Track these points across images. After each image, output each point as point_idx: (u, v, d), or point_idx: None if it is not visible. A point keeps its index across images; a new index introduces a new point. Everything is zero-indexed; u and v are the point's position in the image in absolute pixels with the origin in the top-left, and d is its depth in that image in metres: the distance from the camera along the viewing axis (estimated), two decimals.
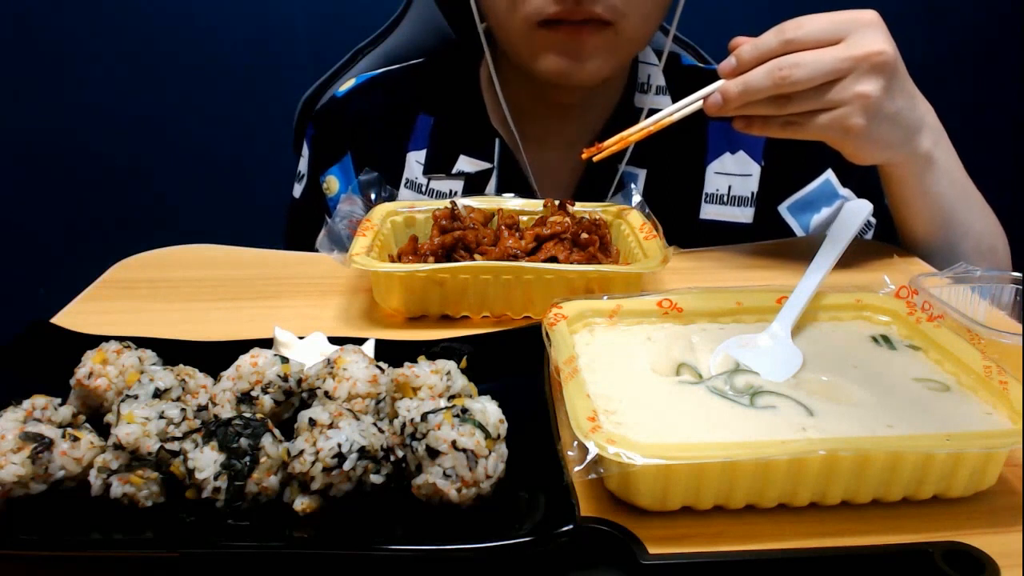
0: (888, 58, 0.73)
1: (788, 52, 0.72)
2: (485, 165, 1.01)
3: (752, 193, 1.02)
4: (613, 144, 0.80)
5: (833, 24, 0.73)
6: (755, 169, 1.02)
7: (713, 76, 0.77)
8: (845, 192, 1.01)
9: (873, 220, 0.99)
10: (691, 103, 0.79)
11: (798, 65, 0.72)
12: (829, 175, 1.01)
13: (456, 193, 1.01)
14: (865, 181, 1.01)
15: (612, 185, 1.01)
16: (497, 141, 1.02)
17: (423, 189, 1.03)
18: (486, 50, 0.97)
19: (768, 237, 0.97)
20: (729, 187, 1.02)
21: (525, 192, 0.94)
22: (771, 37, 0.73)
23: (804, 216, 1.02)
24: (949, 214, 0.85)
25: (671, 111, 0.80)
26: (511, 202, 0.87)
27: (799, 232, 1.02)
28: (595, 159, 0.82)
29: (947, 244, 0.87)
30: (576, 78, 0.88)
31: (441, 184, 1.02)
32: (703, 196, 1.02)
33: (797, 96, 0.73)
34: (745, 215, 1.02)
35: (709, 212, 1.02)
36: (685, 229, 0.94)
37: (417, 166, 1.03)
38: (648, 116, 0.82)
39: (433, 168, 1.02)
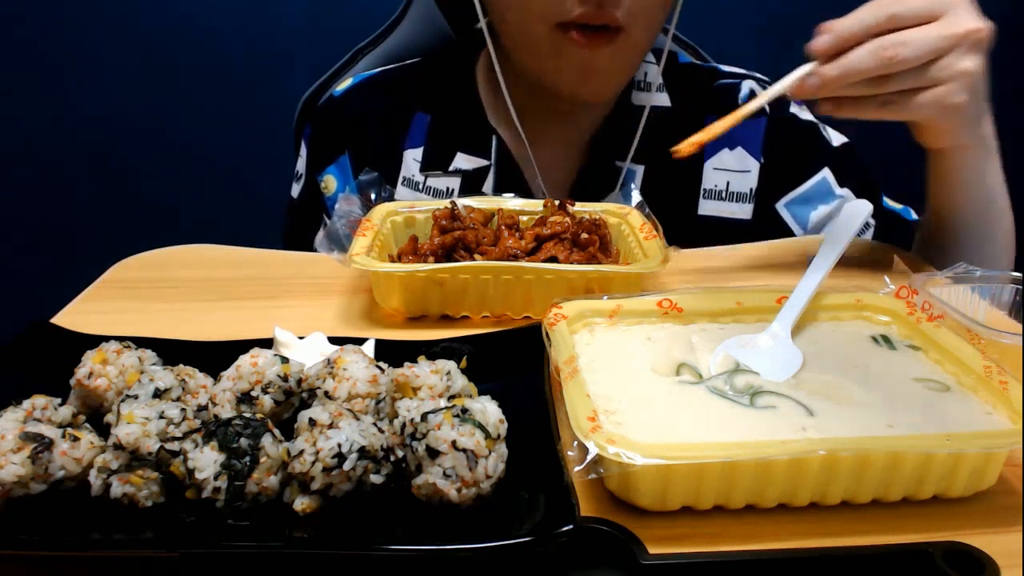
0: (985, 35, 0.72)
1: (890, 29, 0.69)
2: (482, 162, 1.01)
3: (751, 189, 1.02)
4: (702, 139, 0.75)
5: (931, 1, 0.70)
6: (754, 165, 1.02)
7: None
8: (842, 192, 1.01)
9: (872, 221, 0.99)
10: (778, 89, 0.74)
11: (905, 43, 0.69)
12: (826, 173, 1.01)
13: (453, 191, 1.01)
14: (863, 181, 1.01)
15: (614, 182, 1.00)
16: (494, 138, 1.02)
17: (420, 187, 1.03)
18: (489, 45, 0.97)
19: (766, 233, 0.97)
20: (727, 183, 1.02)
21: (522, 189, 0.94)
22: (870, 13, 0.70)
23: (802, 213, 1.02)
24: (993, 202, 0.85)
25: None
26: (511, 202, 0.87)
27: (797, 229, 1.02)
28: (682, 154, 0.75)
29: (987, 232, 0.86)
30: (587, 95, 0.90)
31: (438, 182, 1.02)
32: (701, 192, 1.02)
33: (898, 75, 0.71)
34: (744, 211, 1.02)
35: (707, 208, 1.02)
36: (683, 225, 0.94)
37: (414, 164, 1.03)
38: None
39: (430, 166, 1.02)
